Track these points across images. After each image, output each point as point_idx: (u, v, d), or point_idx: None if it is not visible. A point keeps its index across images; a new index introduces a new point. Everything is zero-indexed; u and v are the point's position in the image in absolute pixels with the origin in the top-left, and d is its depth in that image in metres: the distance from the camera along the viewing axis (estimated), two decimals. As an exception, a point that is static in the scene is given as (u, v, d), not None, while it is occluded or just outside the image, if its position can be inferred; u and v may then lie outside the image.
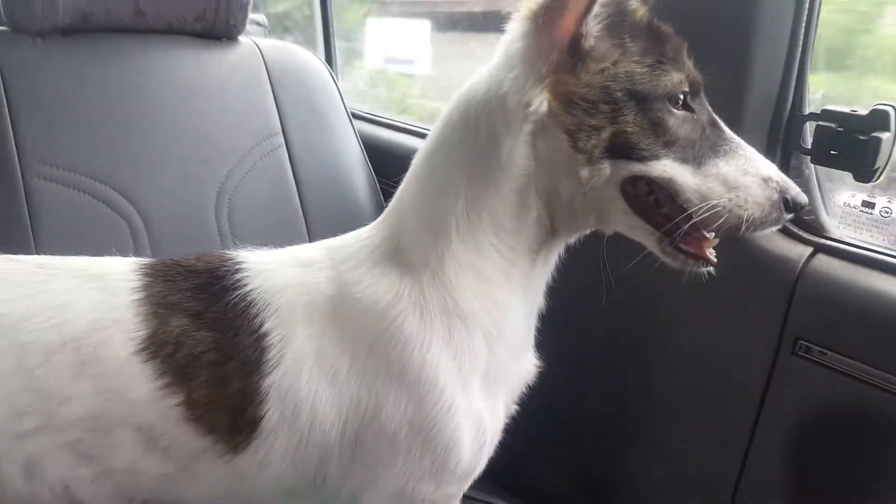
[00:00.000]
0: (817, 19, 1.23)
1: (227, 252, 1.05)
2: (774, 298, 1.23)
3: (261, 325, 0.95)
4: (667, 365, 1.44)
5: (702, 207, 0.87)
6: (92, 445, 0.93)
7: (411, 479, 0.96)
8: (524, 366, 1.07)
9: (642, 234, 0.95)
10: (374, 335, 0.95)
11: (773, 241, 1.25)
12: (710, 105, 0.96)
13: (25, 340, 0.90)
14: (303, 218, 1.68)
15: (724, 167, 0.89)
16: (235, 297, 0.97)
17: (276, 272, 1.00)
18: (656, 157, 0.88)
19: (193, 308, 0.96)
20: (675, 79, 0.90)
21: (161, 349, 0.93)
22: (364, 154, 1.81)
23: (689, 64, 0.93)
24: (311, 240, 1.64)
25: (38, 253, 1.34)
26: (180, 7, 1.60)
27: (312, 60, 1.83)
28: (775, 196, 0.88)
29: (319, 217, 1.69)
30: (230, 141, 1.63)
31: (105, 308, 0.94)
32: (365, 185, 1.79)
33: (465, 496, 1.10)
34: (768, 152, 1.26)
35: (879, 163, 1.14)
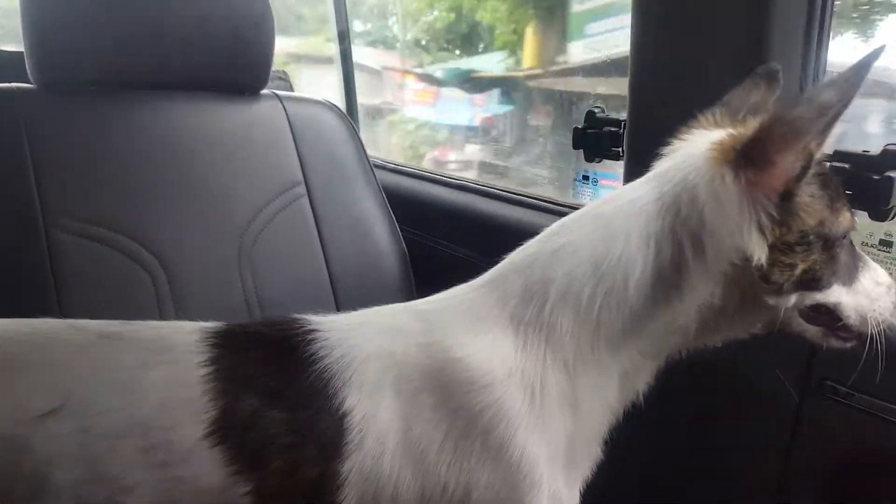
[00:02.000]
0: (825, 58, 1.25)
1: (299, 316, 0.99)
2: (798, 338, 1.21)
3: (342, 404, 0.89)
4: (691, 404, 1.42)
5: (858, 323, 0.97)
6: None
7: None
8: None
9: (809, 333, 1.00)
10: (476, 407, 0.89)
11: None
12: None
13: (90, 424, 0.85)
14: (325, 267, 1.69)
15: (864, 282, 0.98)
16: (313, 372, 0.91)
17: (358, 341, 0.94)
18: (830, 286, 0.95)
19: (266, 384, 0.90)
20: (848, 218, 0.96)
21: (231, 432, 0.87)
22: (386, 203, 1.84)
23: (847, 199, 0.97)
24: (333, 288, 1.68)
25: (59, 304, 1.35)
26: (204, 62, 1.63)
27: (334, 113, 1.87)
28: None
29: (342, 265, 1.71)
30: (253, 192, 1.65)
31: (174, 386, 0.89)
32: (387, 234, 1.81)
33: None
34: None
35: (894, 201, 1.14)
